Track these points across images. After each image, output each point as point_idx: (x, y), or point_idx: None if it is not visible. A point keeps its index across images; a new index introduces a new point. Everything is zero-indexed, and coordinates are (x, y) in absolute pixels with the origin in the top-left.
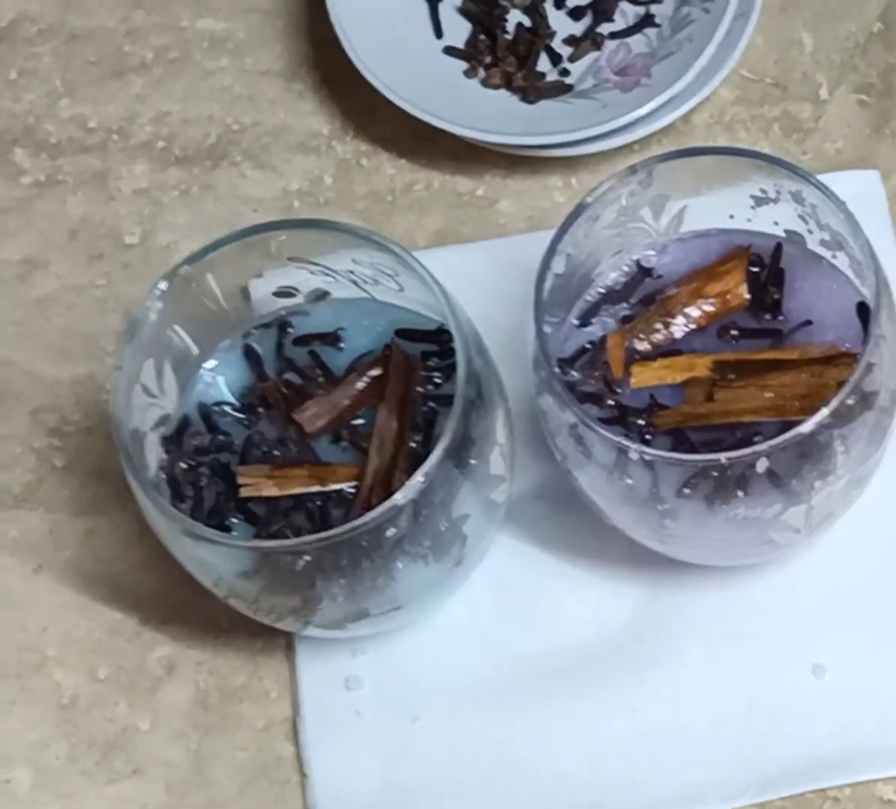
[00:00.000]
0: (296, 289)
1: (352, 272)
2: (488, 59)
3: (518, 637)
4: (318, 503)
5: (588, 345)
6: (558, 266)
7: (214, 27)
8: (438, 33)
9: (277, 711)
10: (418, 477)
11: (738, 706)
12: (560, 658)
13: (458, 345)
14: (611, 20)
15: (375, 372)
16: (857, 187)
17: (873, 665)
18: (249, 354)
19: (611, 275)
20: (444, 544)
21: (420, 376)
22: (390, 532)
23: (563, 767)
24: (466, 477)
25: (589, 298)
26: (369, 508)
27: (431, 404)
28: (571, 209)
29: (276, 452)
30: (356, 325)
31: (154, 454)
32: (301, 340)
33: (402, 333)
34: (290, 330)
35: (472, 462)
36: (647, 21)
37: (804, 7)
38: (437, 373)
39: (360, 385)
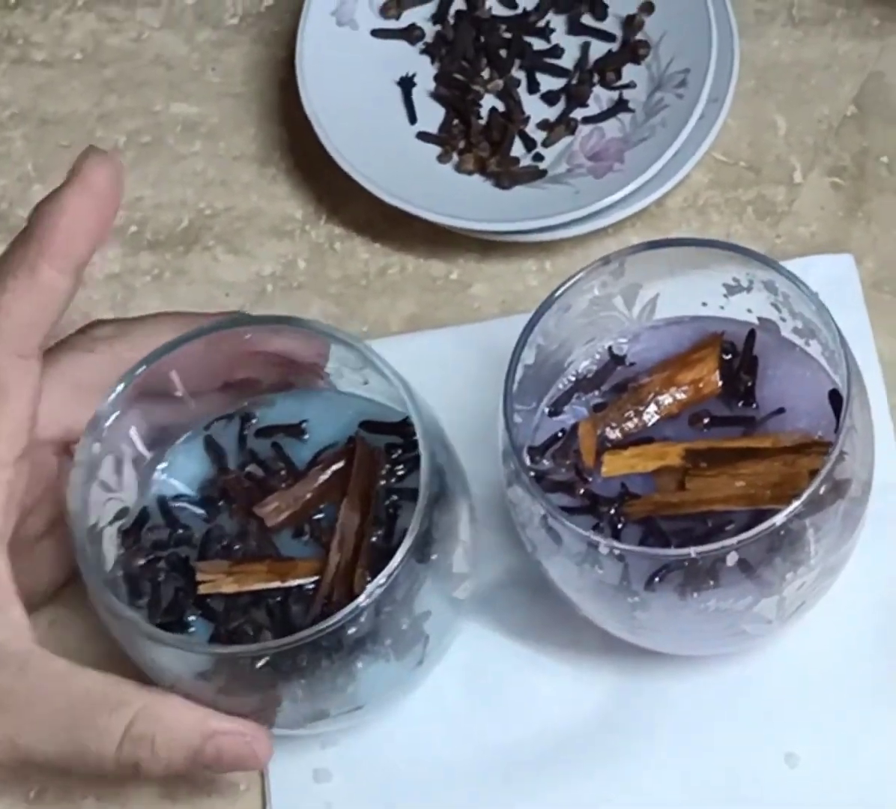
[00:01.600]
0: (258, 381)
1: (316, 364)
2: (462, 145)
3: (489, 726)
4: (278, 599)
5: (559, 434)
6: (528, 357)
7: (188, 111)
8: (412, 118)
9: (246, 804)
10: (380, 580)
11: (711, 795)
12: (532, 747)
13: (420, 439)
14: (584, 105)
15: (338, 465)
16: (831, 271)
17: (846, 754)
18: (211, 446)
19: (583, 363)
20: (405, 642)
21: (383, 469)
22: (351, 631)
23: None
24: (429, 575)
25: (561, 386)
26: (330, 604)
27: (394, 498)
28: (544, 298)
29: (236, 546)
30: (320, 417)
31: (112, 548)
32: (264, 432)
33: (366, 425)
34: (252, 421)
35: (435, 560)
36: (620, 106)
37: (777, 90)
38: (400, 466)
39: (323, 478)
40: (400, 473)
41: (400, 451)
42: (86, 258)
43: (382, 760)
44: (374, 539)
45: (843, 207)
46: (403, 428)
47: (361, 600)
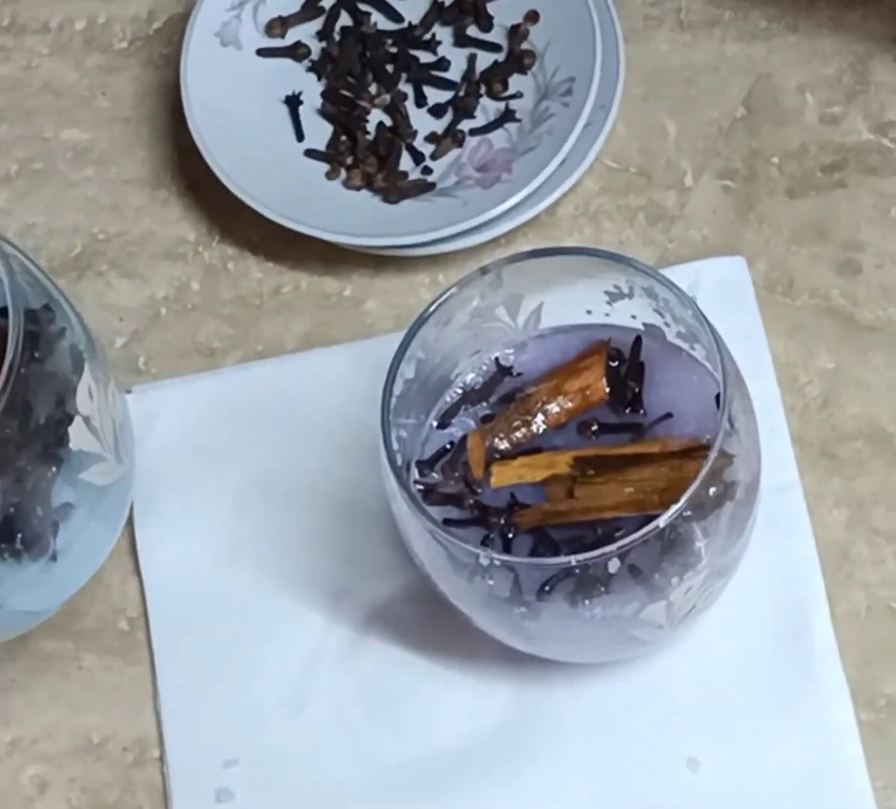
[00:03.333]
0: None
1: None
2: (349, 161)
3: (392, 742)
4: None
5: (448, 446)
6: (408, 371)
7: (78, 137)
8: (300, 136)
9: None
10: None
11: (616, 802)
12: (436, 761)
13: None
14: (472, 117)
15: None
16: (723, 274)
17: (746, 756)
18: None
19: (470, 375)
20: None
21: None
22: None
23: None
24: (30, 448)
25: (448, 399)
26: None
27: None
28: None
29: None
30: None
31: None
32: None
33: None
34: None
35: (41, 430)
36: (507, 116)
37: (666, 95)
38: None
39: None
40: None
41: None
42: None
43: (284, 778)
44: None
45: (735, 210)
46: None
47: None
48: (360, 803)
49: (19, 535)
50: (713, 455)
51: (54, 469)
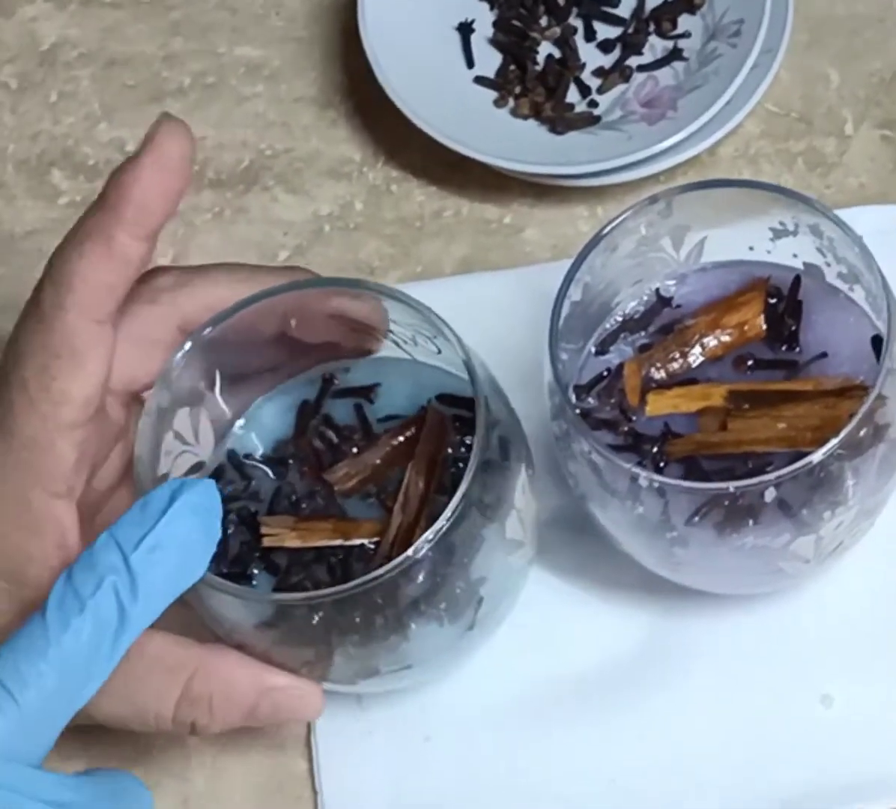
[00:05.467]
0: (339, 345)
1: (392, 332)
2: (518, 90)
3: (531, 660)
4: (340, 556)
5: (605, 373)
6: (575, 294)
7: (251, 54)
8: (470, 63)
9: (292, 729)
10: (429, 535)
11: (746, 734)
12: (572, 683)
13: (477, 405)
14: (640, 53)
15: (409, 432)
16: (879, 221)
17: (882, 696)
18: (296, 408)
19: (630, 303)
20: (458, 606)
21: (453, 439)
22: (406, 589)
23: (573, 791)
24: (482, 537)
25: (607, 326)
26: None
27: (461, 466)
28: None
29: (303, 504)
30: (394, 384)
31: None
32: (338, 394)
33: (441, 398)
34: (335, 382)
35: (490, 524)
36: (675, 55)
37: (830, 44)
38: (468, 438)
39: (393, 444)
40: (468, 443)
41: (472, 423)
42: (158, 227)
43: (424, 690)
44: (437, 505)
45: (893, 160)
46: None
47: (410, 552)
48: (496, 717)
49: (443, 603)
50: (874, 395)
51: (477, 546)
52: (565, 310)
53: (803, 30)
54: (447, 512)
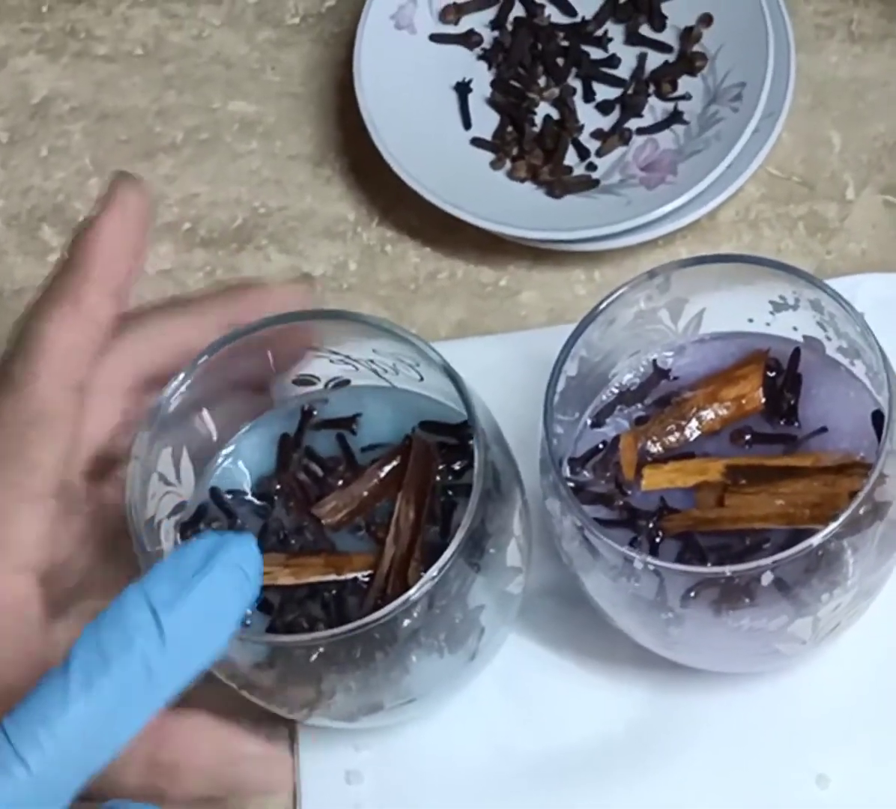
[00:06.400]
0: (316, 378)
1: (372, 361)
2: (515, 152)
3: (523, 735)
4: (334, 592)
5: (600, 445)
6: (571, 369)
7: (245, 110)
8: (467, 124)
9: (278, 803)
10: (432, 572)
11: None
12: (564, 758)
13: (476, 436)
14: (639, 115)
15: (395, 462)
16: (880, 290)
17: (877, 777)
18: (277, 442)
19: (627, 375)
20: (459, 636)
21: (439, 466)
22: (405, 624)
23: None
24: (482, 569)
25: (604, 398)
26: (384, 598)
27: (450, 493)
28: (588, 311)
29: (292, 540)
30: (375, 413)
31: (170, 541)
32: (317, 426)
33: (425, 425)
34: (314, 414)
35: (488, 554)
36: (675, 118)
37: (834, 106)
38: (456, 464)
39: (381, 475)
40: (456, 470)
41: (457, 450)
42: (125, 281)
43: (414, 765)
44: (429, 534)
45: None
46: (462, 429)
47: (412, 593)
48: (487, 792)
49: (443, 634)
50: (876, 474)
51: (476, 576)
52: (561, 385)
53: (806, 92)
54: (450, 549)
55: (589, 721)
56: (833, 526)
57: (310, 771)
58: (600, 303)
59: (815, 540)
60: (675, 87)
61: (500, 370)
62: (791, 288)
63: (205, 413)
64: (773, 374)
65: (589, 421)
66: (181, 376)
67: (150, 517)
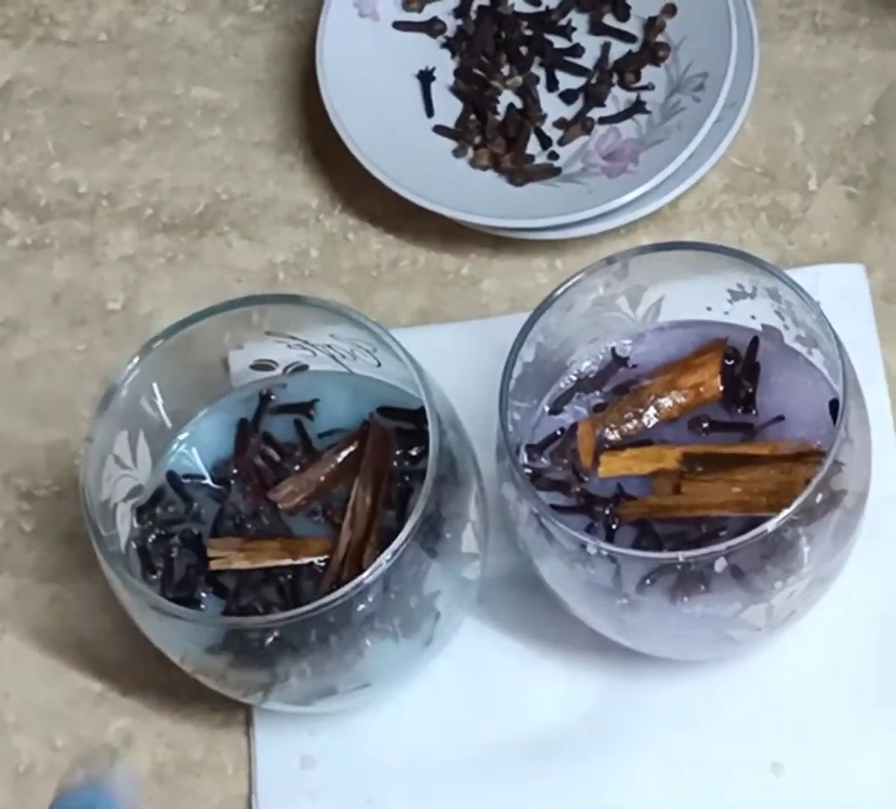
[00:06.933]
0: (274, 363)
1: (330, 346)
2: (477, 140)
3: (478, 721)
4: (289, 576)
5: (558, 432)
6: (528, 355)
7: (209, 96)
8: (429, 112)
9: (233, 787)
10: (386, 556)
11: (697, 803)
12: (518, 744)
13: (431, 422)
14: (602, 105)
15: (352, 448)
16: (841, 281)
17: (832, 764)
18: (236, 427)
19: (585, 362)
20: (414, 621)
21: (396, 452)
22: (359, 608)
23: None
24: (437, 554)
25: (562, 385)
26: (339, 582)
27: (407, 479)
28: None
29: (248, 525)
30: (333, 399)
31: (126, 524)
32: (275, 411)
33: (383, 411)
34: (272, 399)
35: (444, 539)
36: (637, 107)
37: (797, 97)
38: (414, 449)
39: (338, 460)
40: (413, 455)
41: (414, 435)
42: None
43: (368, 751)
44: (386, 519)
45: (857, 217)
46: (419, 415)
47: (365, 577)
48: (441, 778)
49: (397, 619)
50: (829, 462)
51: (431, 562)
52: (517, 371)
53: (769, 83)
54: (403, 533)
55: (545, 708)
56: (786, 512)
57: (266, 756)
58: (557, 288)
59: (769, 526)
60: (638, 77)
61: (460, 357)
62: (749, 276)
63: (159, 397)
64: (731, 363)
65: (547, 408)
66: (136, 360)
67: (105, 500)
